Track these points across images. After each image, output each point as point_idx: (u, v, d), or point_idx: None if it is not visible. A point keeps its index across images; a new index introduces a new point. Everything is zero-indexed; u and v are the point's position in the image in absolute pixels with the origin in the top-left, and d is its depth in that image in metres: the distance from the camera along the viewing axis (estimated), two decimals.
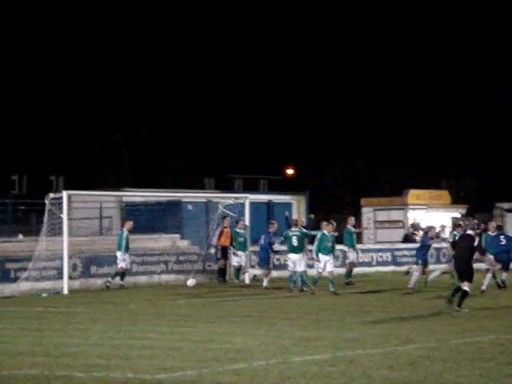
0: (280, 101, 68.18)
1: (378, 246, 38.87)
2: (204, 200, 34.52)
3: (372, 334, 15.76)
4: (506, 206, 48.37)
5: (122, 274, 27.72)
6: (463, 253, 19.65)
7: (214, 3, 68.85)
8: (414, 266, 27.43)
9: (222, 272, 29.48)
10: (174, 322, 18.05)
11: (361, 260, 34.45)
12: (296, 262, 25.77)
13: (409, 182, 56.38)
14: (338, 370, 12.04)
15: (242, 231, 29.49)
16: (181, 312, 20.29)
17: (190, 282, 27.25)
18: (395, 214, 45.90)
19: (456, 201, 49.81)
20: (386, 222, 45.91)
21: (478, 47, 66.15)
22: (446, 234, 44.70)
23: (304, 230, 26.58)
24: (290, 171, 68.46)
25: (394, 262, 37.39)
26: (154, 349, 14.10)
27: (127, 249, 27.76)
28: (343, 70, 67.83)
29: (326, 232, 25.47)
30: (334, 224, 26.46)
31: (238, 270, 29.36)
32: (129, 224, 28.26)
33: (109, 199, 35.26)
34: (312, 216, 30.27)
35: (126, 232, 27.98)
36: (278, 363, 12.65)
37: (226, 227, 29.69)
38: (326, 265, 25.13)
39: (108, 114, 62.05)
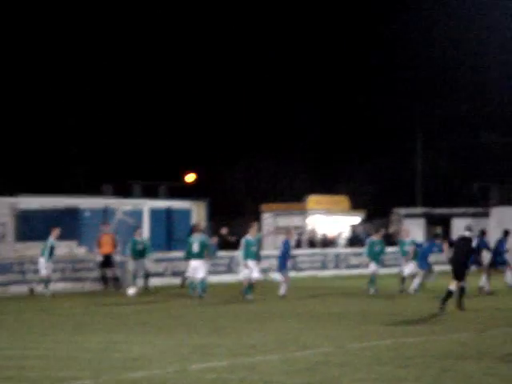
0: (179, 106, 67.91)
1: (278, 252, 38.97)
2: (102, 206, 34.05)
3: (271, 341, 15.77)
4: (403, 211, 49.33)
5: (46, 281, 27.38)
6: (461, 254, 20.85)
7: None
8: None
9: (116, 280, 28.94)
10: (71, 331, 17.68)
11: (261, 266, 34.47)
12: (196, 269, 25.65)
13: (309, 188, 56.92)
14: (237, 377, 11.99)
15: (140, 239, 29.15)
16: (78, 321, 19.91)
17: (132, 290, 26.77)
18: (295, 220, 46.22)
19: (355, 206, 50.47)
20: (288, 227, 46.17)
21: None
22: (341, 239, 45.44)
23: (205, 238, 26.46)
24: (190, 177, 68.27)
25: (295, 268, 37.59)
26: (49, 359, 13.77)
27: (51, 256, 27.37)
28: (241, 75, 68.00)
29: (249, 237, 25.06)
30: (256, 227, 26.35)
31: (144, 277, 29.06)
32: (56, 232, 27.80)
33: (2, 205, 34.34)
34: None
35: (51, 240, 27.56)
36: (176, 371, 12.52)
37: (105, 234, 29.23)
38: (253, 271, 24.75)
39: (4, 117, 60.71)
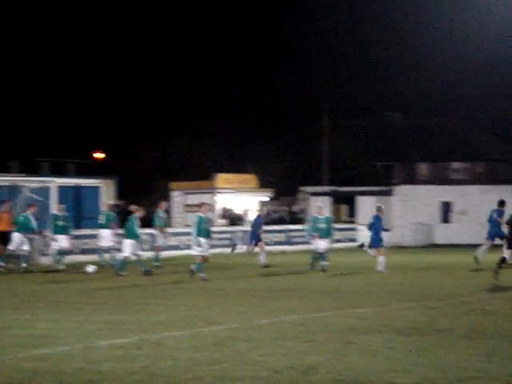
0: (87, 85, 67.15)
1: (187, 230, 39.12)
2: (8, 184, 33.55)
3: (179, 317, 15.90)
4: (309, 189, 49.99)
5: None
6: None
7: None
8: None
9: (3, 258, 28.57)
10: None
11: (170, 243, 34.57)
12: (125, 246, 25.81)
13: (218, 166, 57.13)
14: (144, 353, 12.08)
15: (61, 214, 28.94)
16: None
17: (91, 268, 26.46)
18: (204, 198, 46.32)
19: (263, 185, 50.87)
20: (196, 205, 46.28)
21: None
22: (250, 217, 45.90)
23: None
24: (98, 155, 67.65)
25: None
26: None
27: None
28: (149, 54, 67.61)
29: (202, 214, 24.60)
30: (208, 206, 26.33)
31: (60, 255, 28.77)
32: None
33: None
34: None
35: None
36: (83, 348, 12.54)
37: (4, 212, 28.81)
38: (206, 248, 24.28)
39: None
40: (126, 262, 25.91)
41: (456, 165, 71.81)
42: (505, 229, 23.80)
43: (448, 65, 67.08)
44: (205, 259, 24.32)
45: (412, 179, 64.60)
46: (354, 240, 44.08)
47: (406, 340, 13.05)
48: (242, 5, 67.23)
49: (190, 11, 67.18)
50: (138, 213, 26.40)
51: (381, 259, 26.76)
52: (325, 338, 13.32)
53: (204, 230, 24.15)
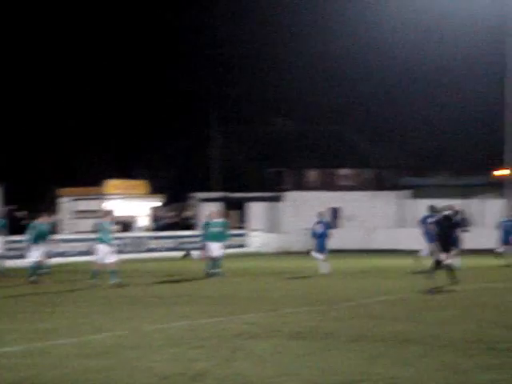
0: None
1: (76, 236, 38.67)
2: None
3: (66, 325, 15.69)
4: (200, 195, 50.05)
5: None
6: (444, 230, 22.60)
7: None
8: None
9: None
10: None
11: (60, 250, 34.08)
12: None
13: (107, 173, 56.55)
14: (30, 362, 11.87)
15: None
16: None
17: None
18: (93, 204, 45.86)
19: (154, 191, 50.60)
20: (86, 211, 45.79)
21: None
22: (140, 223, 45.74)
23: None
24: None
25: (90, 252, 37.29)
26: None
27: None
28: (64, 68, 66.62)
29: (106, 221, 24.48)
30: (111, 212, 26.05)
31: None
32: None
33: None
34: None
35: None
36: None
37: None
38: (108, 255, 24.19)
39: None
40: (37, 267, 25.62)
41: (344, 171, 73.10)
42: (432, 229, 24.04)
43: (335, 73, 68.25)
44: (106, 266, 24.27)
45: (301, 185, 65.41)
46: (243, 246, 44.34)
47: (294, 344, 13.21)
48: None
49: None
50: (43, 218, 26.17)
51: (326, 263, 27.74)
52: (214, 343, 13.36)
53: (108, 238, 24.38)
